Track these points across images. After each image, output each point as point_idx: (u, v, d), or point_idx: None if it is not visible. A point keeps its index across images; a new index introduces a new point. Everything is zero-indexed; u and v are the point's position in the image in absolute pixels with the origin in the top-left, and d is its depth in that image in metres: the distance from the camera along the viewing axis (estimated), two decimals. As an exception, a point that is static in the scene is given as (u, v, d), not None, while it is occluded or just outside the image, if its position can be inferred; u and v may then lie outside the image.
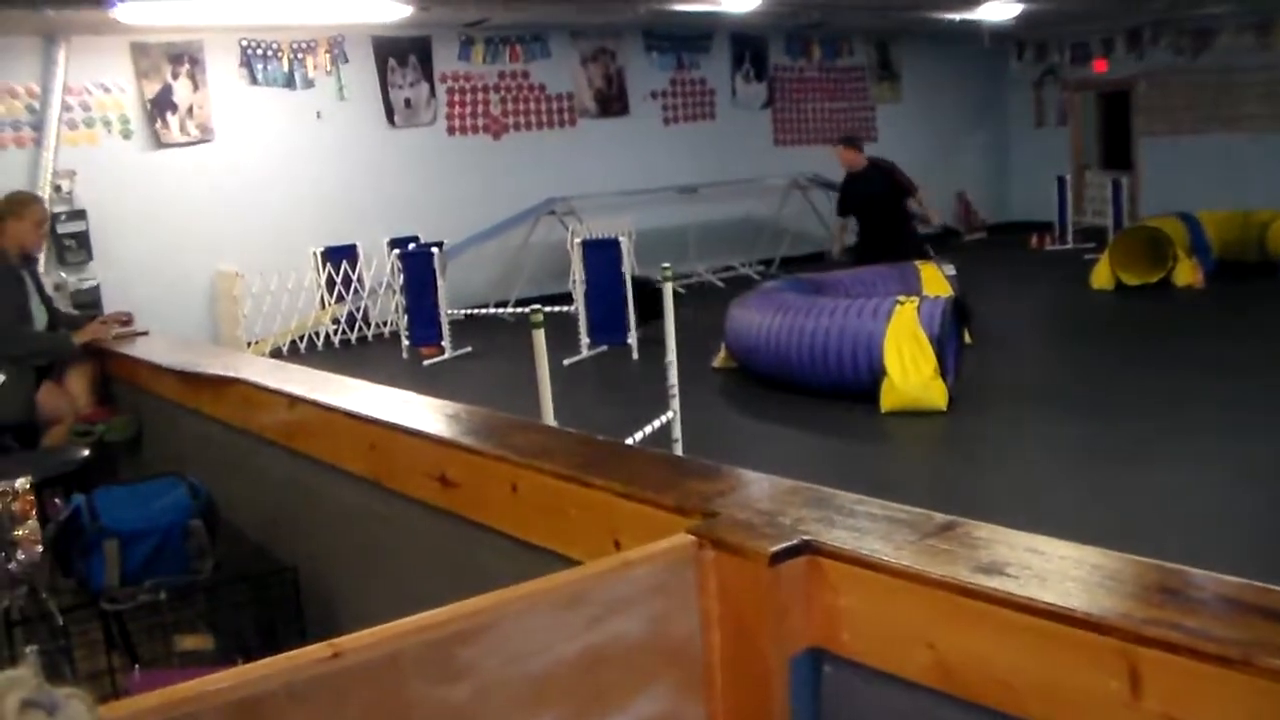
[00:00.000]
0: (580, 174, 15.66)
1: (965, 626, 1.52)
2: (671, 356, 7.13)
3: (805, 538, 1.69)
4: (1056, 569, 1.54)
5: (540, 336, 6.02)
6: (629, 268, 11.54)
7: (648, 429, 7.18)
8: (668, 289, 7.13)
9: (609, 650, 1.67)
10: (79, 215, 12.32)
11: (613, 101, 16.61)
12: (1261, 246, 15.19)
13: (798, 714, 1.71)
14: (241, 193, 13.35)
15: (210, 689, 1.36)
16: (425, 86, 15.00)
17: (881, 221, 11.64)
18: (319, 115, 14.04)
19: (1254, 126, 19.21)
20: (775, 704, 1.70)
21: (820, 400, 9.32)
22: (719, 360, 10.69)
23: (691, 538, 1.76)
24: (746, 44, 17.93)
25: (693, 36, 17.18)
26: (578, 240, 12.29)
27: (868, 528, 1.72)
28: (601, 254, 11.41)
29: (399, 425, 2.81)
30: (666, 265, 7.26)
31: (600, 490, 2.11)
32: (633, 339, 10.73)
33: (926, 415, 8.86)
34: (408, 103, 14.88)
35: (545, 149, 15.88)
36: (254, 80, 13.59)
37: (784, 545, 1.67)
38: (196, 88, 13.16)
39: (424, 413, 2.98)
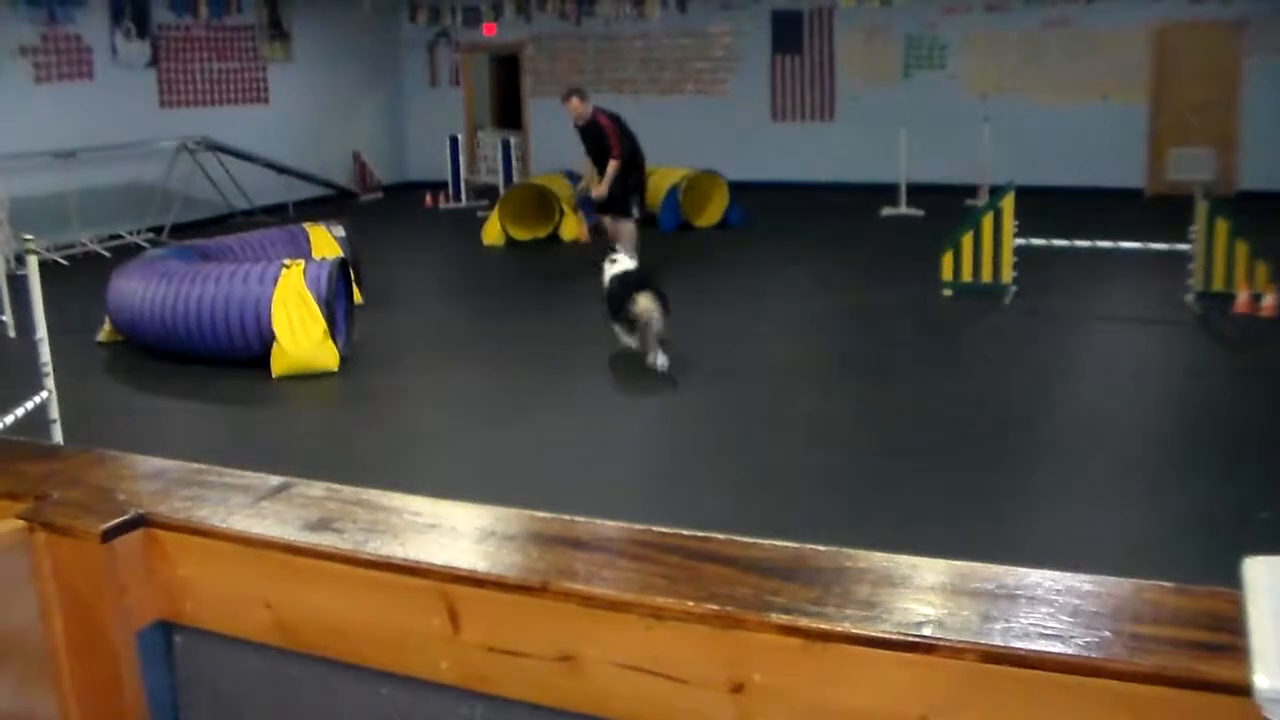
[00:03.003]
0: (-62, 137, 14.29)
1: (297, 583, 1.55)
2: (42, 333, 6.70)
3: (139, 512, 1.66)
4: (381, 520, 1.60)
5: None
6: (4, 238, 10.73)
7: (19, 412, 6.73)
8: (32, 261, 6.68)
9: (-63, 650, 1.58)
10: None
11: (-26, 58, 15.31)
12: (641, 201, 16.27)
13: (152, 688, 1.69)
14: None
15: None
16: None
17: (605, 173, 12.02)
18: None
19: (634, 89, 20.53)
20: (126, 681, 1.67)
21: (211, 369, 9.12)
22: (104, 334, 10.17)
23: (21, 523, 1.69)
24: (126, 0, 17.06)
25: (62, -10, 16.13)
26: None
27: (203, 496, 1.71)
28: (-34, 225, 10.53)
29: None
30: (29, 237, 6.79)
31: (-76, 483, 1.97)
32: (7, 316, 10.01)
33: (319, 377, 8.89)
34: None
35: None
36: None
37: (116, 521, 1.63)
38: None
39: None
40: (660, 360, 8.66)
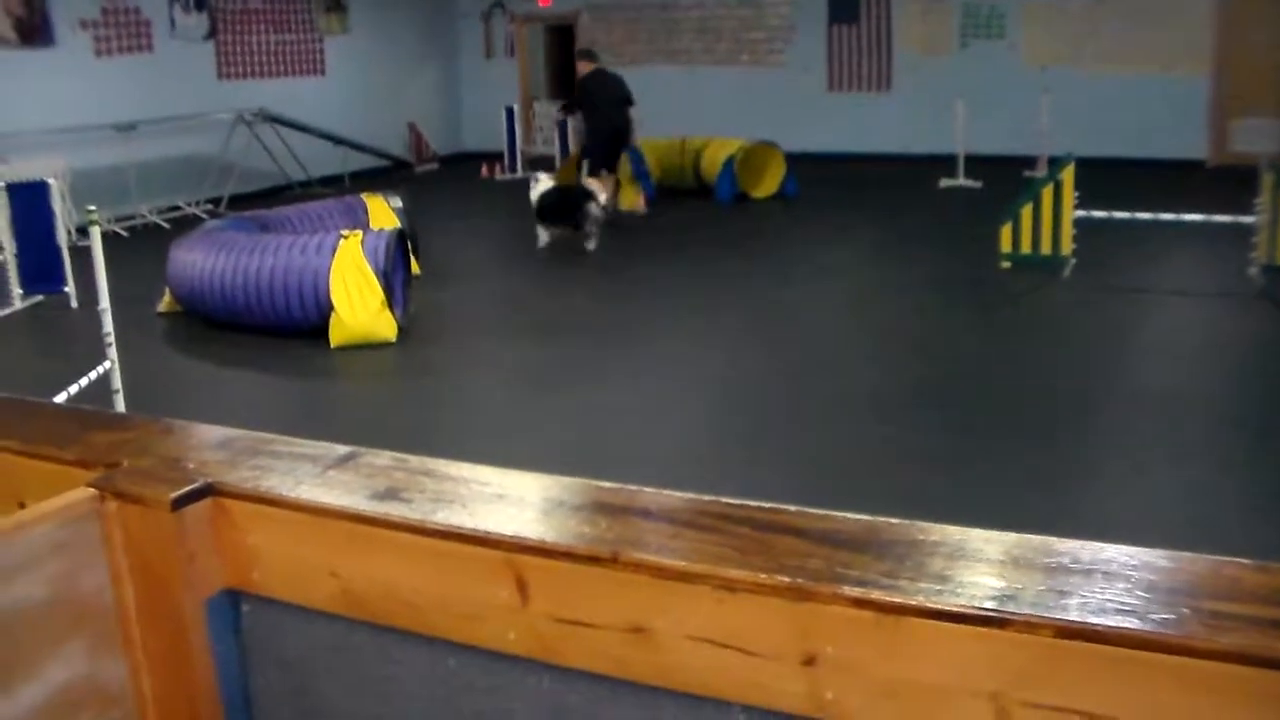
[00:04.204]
0: (1, 110, 14.43)
1: (365, 553, 1.56)
2: (105, 303, 6.78)
3: (208, 480, 1.67)
4: (449, 489, 1.60)
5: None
6: (63, 211, 10.84)
7: (83, 381, 6.82)
8: (95, 232, 6.75)
9: (11, 618, 1.59)
10: None
11: (35, 31, 15.43)
12: (696, 171, 16.27)
13: (220, 655, 1.71)
14: None
15: None
16: None
17: None
18: None
19: (689, 60, 20.48)
20: (195, 649, 1.69)
21: (270, 339, 9.20)
22: (164, 305, 10.28)
23: (93, 491, 1.70)
24: (184, -27, 17.15)
25: (124, -38, 16.22)
26: (1, 183, 11.39)
27: (271, 465, 1.72)
28: (28, 197, 10.63)
29: None
30: (92, 209, 6.86)
31: (-1, 451, 1.99)
32: (70, 287, 10.12)
33: (376, 348, 8.94)
34: None
35: (-43, 82, 14.48)
36: None
37: (186, 490, 1.64)
38: None
39: None
40: (591, 245, 12.65)
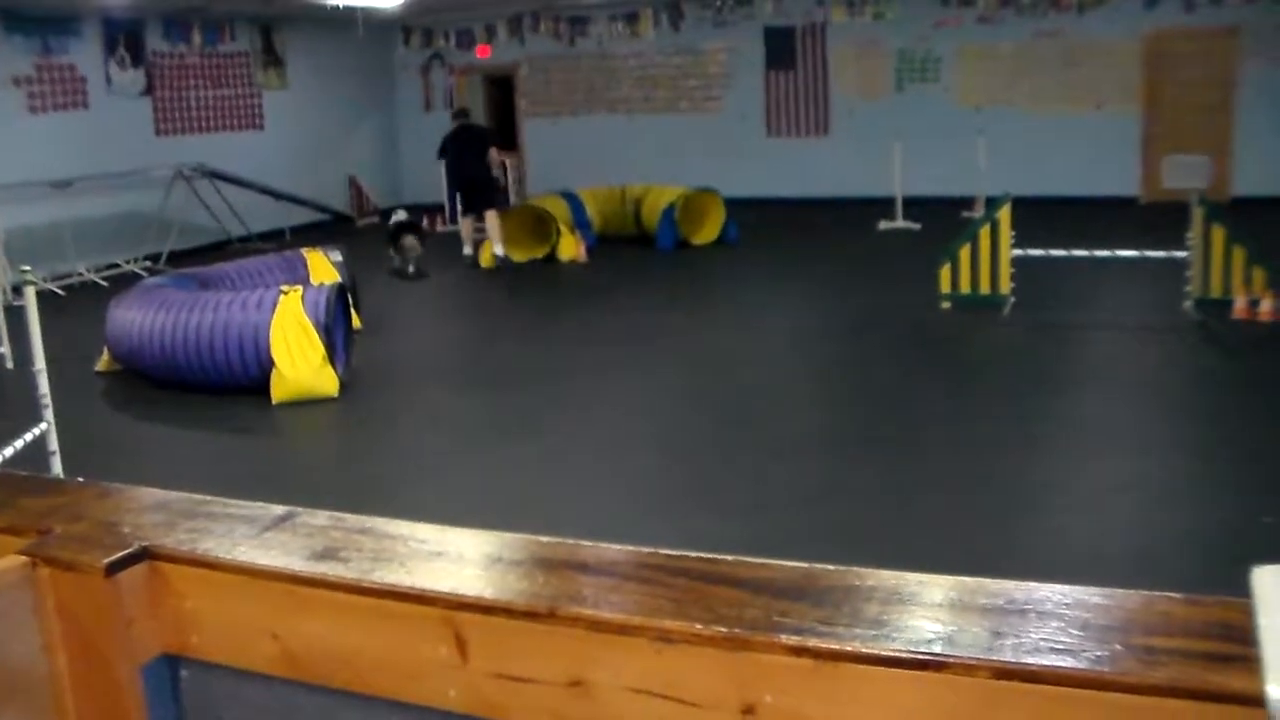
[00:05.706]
0: (-68, 170, 14.26)
1: (303, 614, 1.54)
2: (40, 363, 6.69)
3: (144, 544, 1.65)
4: (386, 548, 1.59)
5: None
6: (0, 269, 10.72)
7: (19, 444, 6.71)
8: (30, 292, 6.66)
9: (-59, 688, 1.57)
10: None
11: (-32, 90, 15.29)
12: (637, 219, 16.32)
13: None
14: None
15: None
16: None
17: None
18: None
19: (628, 108, 20.61)
20: (132, 716, 1.66)
21: (211, 397, 9.11)
22: (102, 364, 10.16)
23: (23, 558, 1.67)
24: (120, 28, 17.02)
25: (58, 19, 16.09)
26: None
27: (208, 527, 1.70)
28: (-37, 257, 10.51)
29: None
30: (26, 268, 6.77)
31: (-77, 522, 1.96)
32: (5, 347, 9.97)
33: (318, 403, 8.88)
34: None
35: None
36: None
37: (120, 555, 1.62)
38: None
39: None
40: (412, 270, 14.67)
